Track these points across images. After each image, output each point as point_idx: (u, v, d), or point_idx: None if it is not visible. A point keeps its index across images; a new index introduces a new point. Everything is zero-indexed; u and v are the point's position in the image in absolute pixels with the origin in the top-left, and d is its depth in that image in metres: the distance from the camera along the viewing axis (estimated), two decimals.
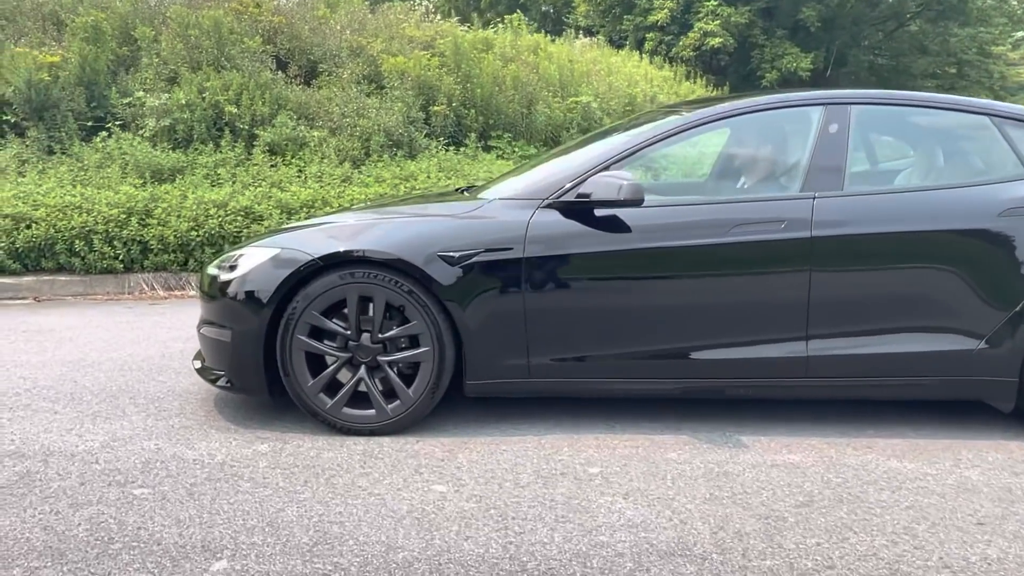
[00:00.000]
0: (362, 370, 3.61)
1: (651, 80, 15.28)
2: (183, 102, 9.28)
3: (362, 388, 3.63)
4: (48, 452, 3.45)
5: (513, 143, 10.77)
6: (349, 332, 3.59)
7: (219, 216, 7.87)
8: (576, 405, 3.98)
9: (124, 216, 7.77)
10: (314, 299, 3.55)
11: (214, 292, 3.77)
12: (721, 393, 3.74)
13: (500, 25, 14.93)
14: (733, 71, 24.40)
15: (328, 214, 4.60)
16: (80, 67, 9.53)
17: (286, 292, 3.56)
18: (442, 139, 10.22)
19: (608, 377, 3.65)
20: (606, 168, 3.60)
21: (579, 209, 3.58)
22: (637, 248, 3.52)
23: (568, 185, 3.60)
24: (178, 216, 7.86)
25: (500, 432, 3.70)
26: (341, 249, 3.53)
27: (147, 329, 6.02)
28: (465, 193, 4.26)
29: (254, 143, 9.20)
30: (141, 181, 8.43)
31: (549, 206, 3.60)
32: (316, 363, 3.70)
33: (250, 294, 3.59)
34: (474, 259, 3.52)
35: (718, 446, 3.52)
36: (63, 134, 9.07)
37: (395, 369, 3.63)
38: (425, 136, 10.09)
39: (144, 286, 7.75)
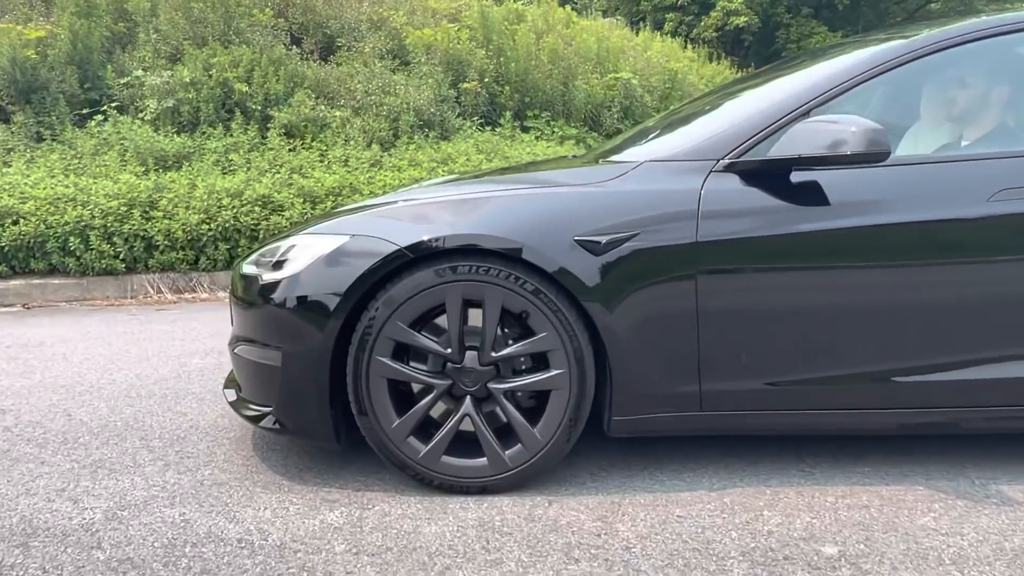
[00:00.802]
0: (467, 403, 2.58)
1: (679, 59, 14.21)
2: (187, 80, 8.23)
3: (466, 427, 2.60)
4: (30, 529, 2.42)
5: (552, 123, 9.72)
6: (449, 351, 2.55)
7: (233, 207, 6.84)
8: (726, 437, 2.95)
9: (125, 208, 6.73)
10: (400, 305, 2.51)
11: (253, 298, 2.73)
12: (954, 427, 2.69)
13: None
14: (755, 52, 23.31)
15: (399, 190, 3.54)
16: (71, 44, 8.47)
17: (360, 297, 2.52)
18: (475, 118, 9.18)
19: (809, 408, 2.61)
20: (805, 115, 2.55)
21: (773, 172, 2.54)
22: (861, 226, 2.49)
23: (752, 139, 2.56)
24: (187, 207, 6.83)
25: (658, 484, 2.67)
26: (441, 235, 2.49)
27: (156, 341, 4.98)
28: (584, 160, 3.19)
29: (269, 125, 8.16)
30: (143, 169, 7.39)
31: (727, 169, 2.55)
32: (402, 396, 2.67)
33: (308, 301, 2.56)
34: (626, 245, 2.48)
35: (977, 502, 2.49)
36: (53, 118, 8.02)
37: (513, 401, 2.59)
38: (457, 116, 9.04)
39: (149, 288, 6.71)
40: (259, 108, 8.30)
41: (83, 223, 6.62)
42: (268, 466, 2.87)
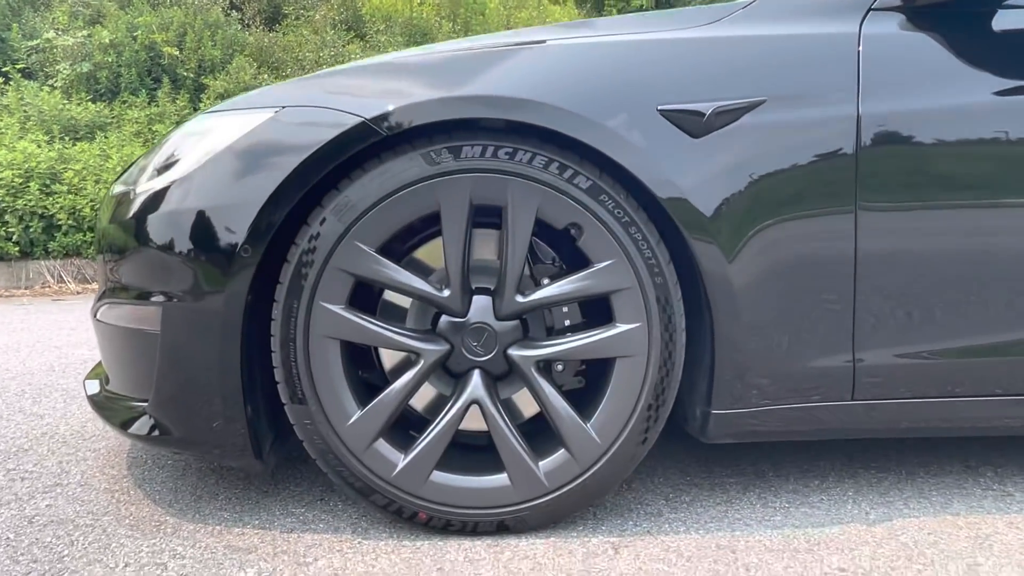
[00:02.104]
0: (474, 384, 1.54)
1: None
2: (107, 42, 7.06)
3: (472, 426, 1.55)
4: None
5: None
6: (446, 294, 1.51)
7: None
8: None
9: (20, 181, 5.56)
10: (363, 215, 1.47)
11: (126, 228, 1.63)
12: None
13: None
14: None
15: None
16: None
17: (294, 209, 1.48)
18: None
19: (1002, 393, 1.62)
20: None
21: (967, 11, 1.57)
22: None
23: None
24: (97, 181, 5.68)
25: (782, 513, 1.65)
26: (433, 97, 1.47)
27: (38, 331, 3.83)
28: None
29: (202, 94, 7.03)
30: (47, 138, 6.20)
31: (896, 8, 1.58)
32: (365, 375, 1.63)
33: (206, 217, 1.49)
34: (746, 119, 1.48)
35: None
36: None
37: (551, 380, 1.56)
38: None
39: (48, 276, 5.52)
40: (191, 76, 7.17)
41: None
42: (145, 493, 1.79)
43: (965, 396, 1.62)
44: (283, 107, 1.55)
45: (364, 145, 1.47)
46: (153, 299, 1.55)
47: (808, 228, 1.50)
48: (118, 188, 1.76)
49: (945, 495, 1.75)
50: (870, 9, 1.58)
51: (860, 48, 1.54)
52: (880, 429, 1.65)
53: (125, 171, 1.87)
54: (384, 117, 1.46)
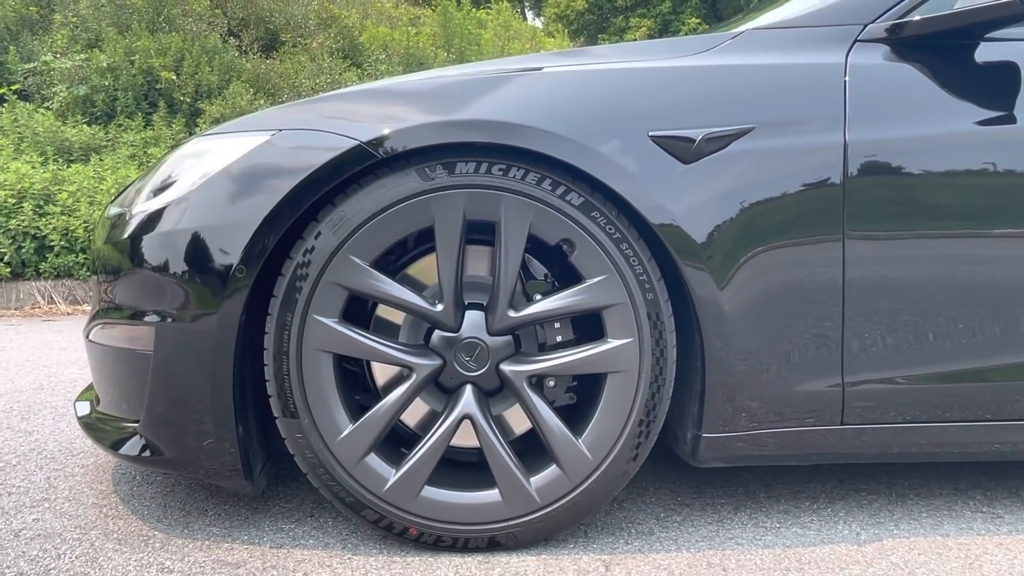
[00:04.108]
0: (466, 399, 1.54)
1: None
2: (104, 66, 7.11)
3: (464, 442, 1.55)
4: None
5: None
6: (439, 309, 1.52)
7: None
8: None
9: (13, 201, 5.56)
10: (358, 229, 1.48)
11: (121, 249, 1.63)
12: None
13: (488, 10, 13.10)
14: None
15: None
16: None
17: (290, 229, 1.49)
18: None
19: (991, 419, 1.63)
20: None
21: (950, 43, 1.61)
22: None
23: None
24: (91, 202, 5.69)
25: (771, 531, 1.65)
26: (427, 121, 1.49)
27: (27, 351, 3.81)
28: None
29: (198, 119, 7.07)
30: (42, 159, 6.21)
31: (881, 40, 1.61)
32: (357, 390, 1.63)
33: (201, 238, 1.50)
34: (736, 145, 1.51)
35: None
36: None
37: (543, 395, 1.56)
38: None
39: (39, 297, 5.50)
40: (188, 100, 7.22)
41: None
42: (133, 508, 1.77)
43: (955, 421, 1.63)
44: (279, 130, 1.57)
45: (359, 168, 1.49)
46: (146, 319, 1.55)
47: (797, 255, 1.52)
48: (113, 210, 1.77)
49: (935, 517, 1.75)
50: (856, 40, 1.62)
51: (847, 78, 1.57)
52: (870, 453, 1.66)
53: (120, 193, 1.88)
54: (380, 141, 1.48)
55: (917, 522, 1.72)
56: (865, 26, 1.63)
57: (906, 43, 1.61)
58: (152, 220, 1.57)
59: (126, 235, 1.60)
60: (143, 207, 1.63)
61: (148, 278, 1.56)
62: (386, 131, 1.49)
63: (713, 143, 1.51)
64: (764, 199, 1.51)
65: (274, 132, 1.57)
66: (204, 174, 1.57)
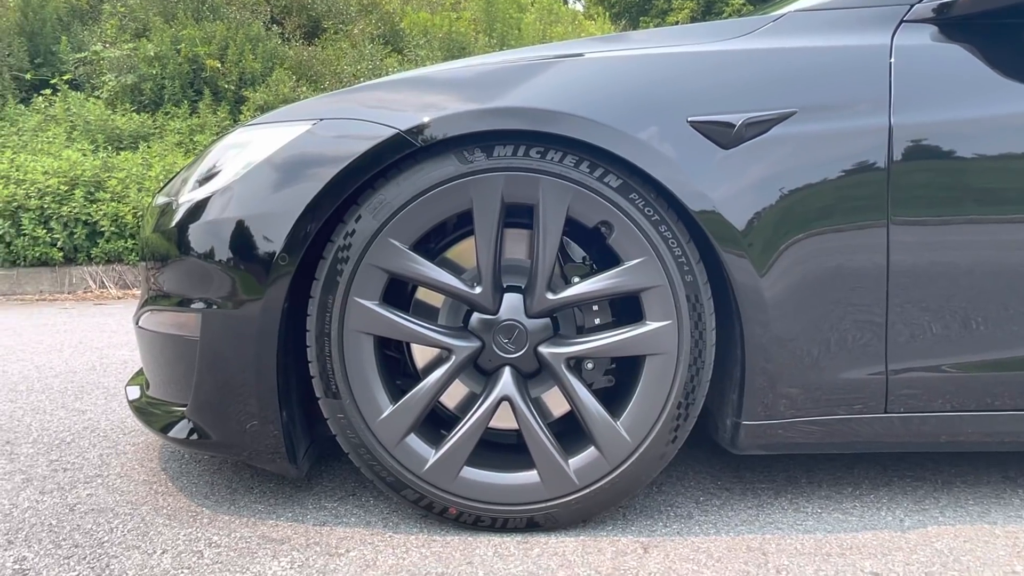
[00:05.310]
0: (504, 381, 1.55)
1: None
2: (152, 55, 7.24)
3: (502, 423, 1.57)
4: None
5: None
6: (477, 291, 1.53)
7: None
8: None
9: (65, 188, 5.70)
10: (397, 212, 1.50)
11: (168, 237, 1.67)
12: None
13: None
14: None
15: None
16: (22, 13, 7.49)
17: (332, 216, 1.51)
18: None
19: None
20: None
21: (1000, 23, 1.57)
22: None
23: None
24: (139, 189, 5.81)
25: (813, 517, 1.64)
26: (465, 109, 1.50)
27: (80, 333, 3.93)
28: None
29: (242, 106, 7.17)
30: (92, 147, 6.37)
31: (929, 20, 1.57)
32: (397, 371, 1.66)
33: (245, 226, 1.53)
34: (777, 130, 1.48)
35: None
36: None
37: (581, 377, 1.57)
38: None
39: (91, 282, 5.65)
40: (232, 88, 7.32)
41: (15, 203, 5.58)
42: (181, 486, 1.82)
43: (1005, 410, 1.60)
44: (320, 119, 1.59)
45: (399, 156, 1.50)
46: (193, 306, 1.59)
47: (840, 241, 1.50)
48: (161, 199, 1.81)
49: (983, 504, 1.72)
50: (902, 20, 1.58)
51: (892, 60, 1.53)
52: (917, 442, 1.63)
53: (167, 183, 1.93)
54: (419, 129, 1.49)
55: (963, 509, 1.69)
56: (912, 6, 1.60)
57: (955, 23, 1.57)
58: (198, 209, 1.60)
59: (173, 224, 1.64)
60: (189, 196, 1.66)
61: (194, 266, 1.59)
62: (424, 119, 1.50)
63: (753, 128, 1.49)
64: (805, 184, 1.49)
65: (315, 122, 1.59)
66: (247, 163, 1.59)
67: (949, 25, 1.57)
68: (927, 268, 1.51)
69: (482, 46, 8.61)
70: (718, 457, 1.97)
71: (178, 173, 1.89)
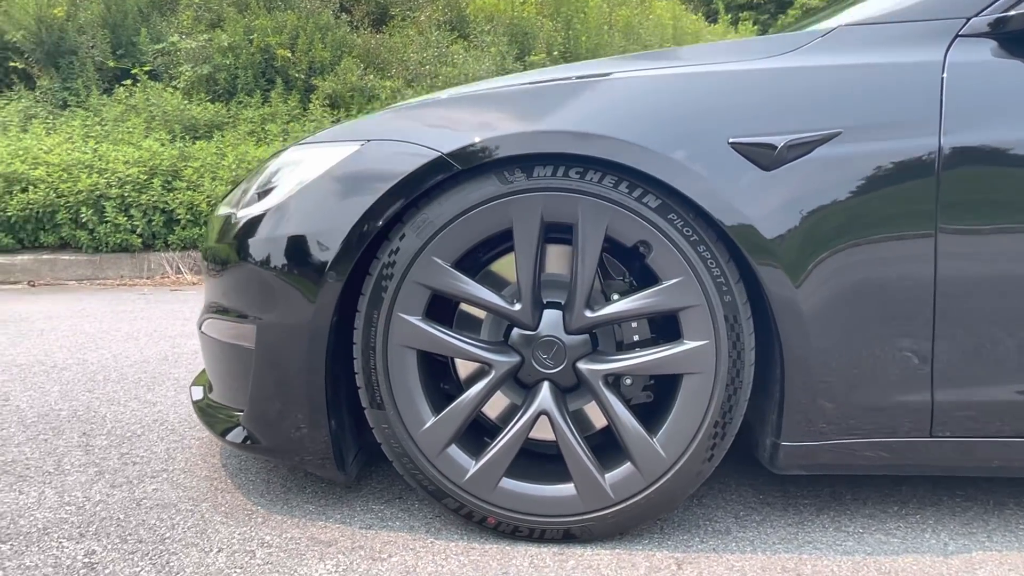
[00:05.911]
0: (543, 395, 1.59)
1: None
2: (226, 45, 7.45)
3: (540, 435, 1.60)
4: None
5: None
6: (517, 308, 1.57)
7: None
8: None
9: (144, 177, 5.95)
10: (440, 230, 1.54)
11: (228, 248, 1.76)
12: None
13: None
14: None
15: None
16: (105, 6, 7.79)
17: (379, 233, 1.56)
18: None
19: None
20: None
21: None
22: None
23: None
24: (213, 178, 6.01)
25: (854, 537, 1.63)
26: (505, 133, 1.53)
27: (154, 321, 4.12)
28: None
29: (311, 95, 7.32)
30: (170, 137, 6.61)
31: (985, 35, 1.52)
32: (440, 384, 1.70)
33: (297, 242, 1.60)
34: (820, 152, 1.46)
35: None
36: (80, 84, 7.33)
37: (619, 394, 1.59)
38: None
39: (168, 268, 5.89)
40: (302, 76, 7.48)
41: (98, 192, 5.85)
42: (239, 483, 1.92)
43: None
44: (368, 140, 1.64)
45: (441, 177, 1.54)
46: (249, 317, 1.67)
47: (883, 270, 1.47)
48: (223, 210, 1.89)
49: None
50: (957, 35, 1.53)
51: (944, 76, 1.49)
52: (966, 467, 1.60)
53: (229, 192, 2.02)
54: (459, 152, 1.52)
55: (1012, 535, 1.65)
56: (968, 20, 1.55)
57: (1013, 38, 1.51)
58: (253, 225, 1.68)
59: (231, 237, 1.72)
60: (246, 211, 1.74)
61: (251, 279, 1.67)
62: (466, 142, 1.53)
63: (796, 149, 1.48)
64: (849, 208, 1.47)
65: (363, 142, 1.64)
66: (300, 182, 1.66)
67: (1008, 40, 1.51)
68: (973, 289, 1.48)
69: (547, 31, 8.57)
70: (763, 468, 1.97)
71: (239, 184, 1.98)
